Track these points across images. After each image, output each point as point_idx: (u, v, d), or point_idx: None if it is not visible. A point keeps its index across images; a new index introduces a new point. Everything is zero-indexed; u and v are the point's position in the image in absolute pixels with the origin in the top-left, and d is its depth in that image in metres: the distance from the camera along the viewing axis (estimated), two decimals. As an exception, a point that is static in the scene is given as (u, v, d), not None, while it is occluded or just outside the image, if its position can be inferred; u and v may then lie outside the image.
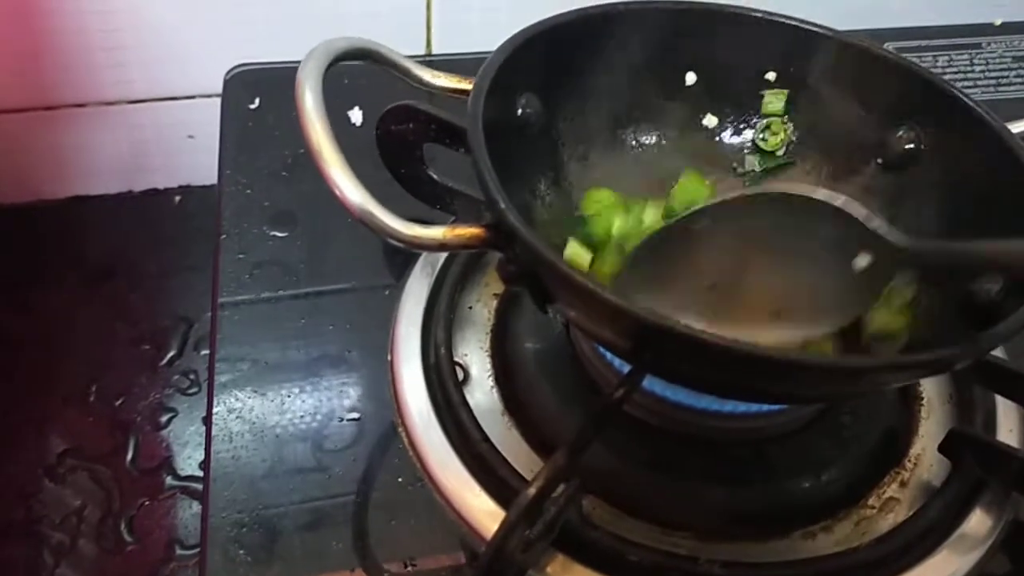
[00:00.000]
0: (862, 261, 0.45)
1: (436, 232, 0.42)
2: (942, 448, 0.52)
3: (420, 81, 0.52)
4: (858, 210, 0.45)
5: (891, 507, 0.51)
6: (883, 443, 0.54)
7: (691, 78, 0.57)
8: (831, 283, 0.46)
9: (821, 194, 0.46)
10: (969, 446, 0.51)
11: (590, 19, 0.53)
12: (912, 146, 0.54)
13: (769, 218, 0.47)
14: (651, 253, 0.49)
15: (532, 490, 0.41)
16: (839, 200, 0.46)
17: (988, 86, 0.83)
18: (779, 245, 0.47)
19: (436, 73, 0.52)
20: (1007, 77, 0.83)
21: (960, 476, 0.51)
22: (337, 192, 0.42)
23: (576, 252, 0.52)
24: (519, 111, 0.52)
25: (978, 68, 0.84)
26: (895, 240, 0.44)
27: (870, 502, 0.51)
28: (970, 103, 0.51)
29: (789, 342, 0.46)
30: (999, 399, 0.54)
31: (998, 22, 0.89)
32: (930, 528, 0.49)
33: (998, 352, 0.55)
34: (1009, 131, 0.49)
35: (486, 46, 0.50)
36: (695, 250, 0.49)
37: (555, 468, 0.42)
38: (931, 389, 0.56)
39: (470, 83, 0.49)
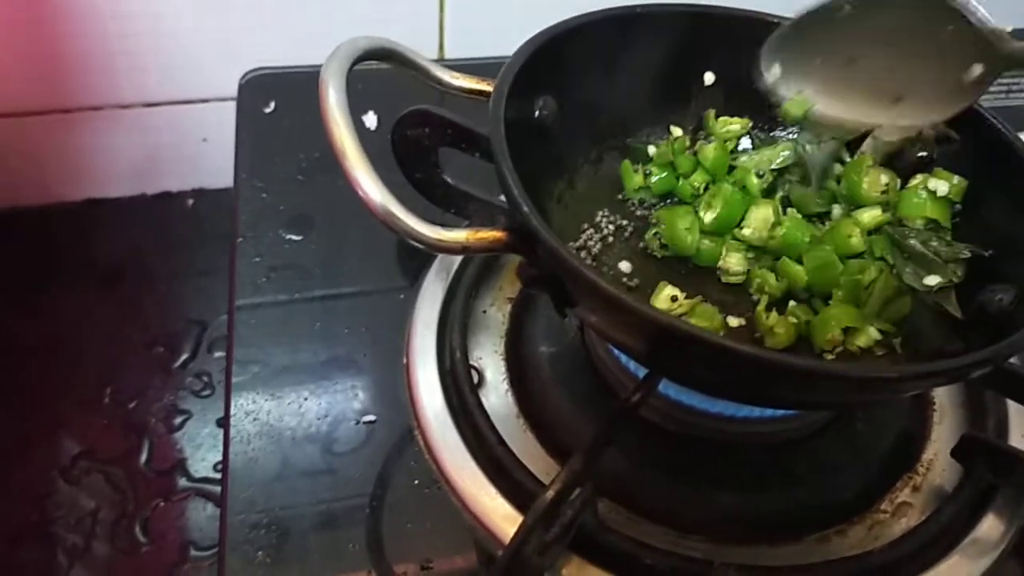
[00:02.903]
0: (975, 70, 0.49)
1: (459, 235, 0.42)
2: (955, 453, 0.52)
3: (439, 82, 0.52)
4: (979, 16, 0.49)
5: (904, 511, 0.51)
6: (896, 448, 0.54)
7: (709, 78, 0.57)
8: (945, 80, 0.51)
9: None
10: (981, 451, 0.51)
11: (607, 22, 0.53)
12: (925, 154, 0.54)
13: (900, 13, 0.51)
14: (796, 34, 0.54)
15: (550, 494, 0.41)
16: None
17: (999, 93, 0.83)
18: (907, 38, 0.51)
19: (455, 74, 0.52)
20: (1018, 84, 0.84)
21: (972, 481, 0.51)
22: (360, 192, 0.41)
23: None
24: (537, 113, 0.52)
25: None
26: (1005, 47, 0.49)
27: (883, 506, 0.51)
28: (984, 113, 0.51)
29: (905, 125, 0.53)
30: (1011, 404, 0.54)
31: (1009, 28, 0.89)
32: (943, 532, 0.49)
33: (1012, 359, 0.55)
34: (1021, 141, 0.49)
35: (499, 51, 0.50)
36: (834, 35, 0.53)
37: (572, 472, 0.43)
38: (943, 395, 0.56)
39: (489, 84, 0.49)
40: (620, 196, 0.57)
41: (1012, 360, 0.55)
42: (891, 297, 0.49)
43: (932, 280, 0.50)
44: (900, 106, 0.53)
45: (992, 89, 0.81)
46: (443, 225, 0.42)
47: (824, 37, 0.53)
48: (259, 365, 0.56)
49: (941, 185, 0.51)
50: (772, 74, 0.55)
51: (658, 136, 0.58)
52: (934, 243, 0.50)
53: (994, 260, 0.49)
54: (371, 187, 0.41)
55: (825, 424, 0.53)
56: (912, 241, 0.51)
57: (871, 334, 0.48)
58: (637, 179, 0.56)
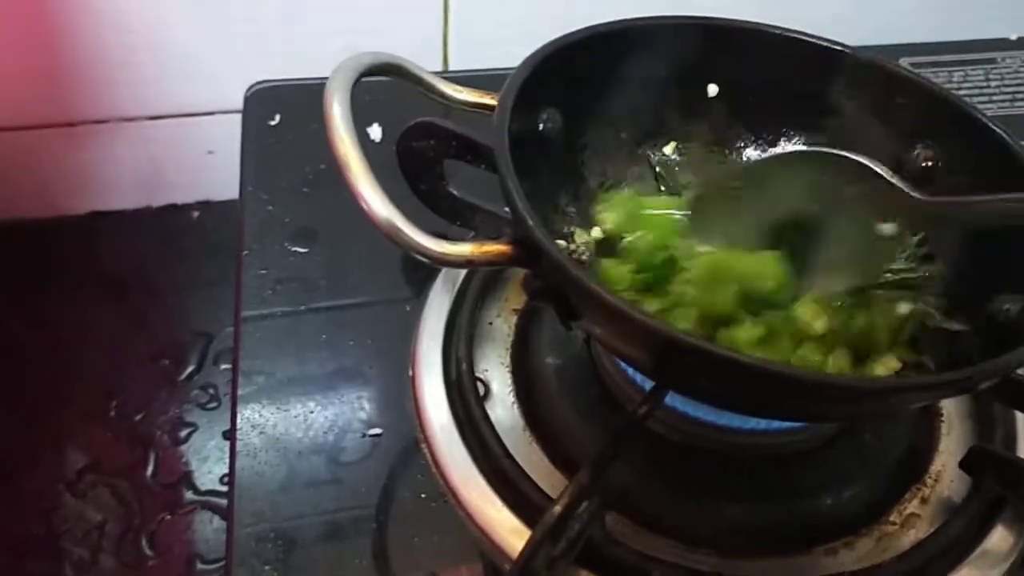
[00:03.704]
0: (888, 228, 0.49)
1: (463, 248, 0.42)
2: (963, 465, 0.52)
3: (443, 96, 0.52)
4: (883, 169, 0.49)
5: (912, 524, 0.51)
6: (904, 460, 0.54)
7: (712, 90, 0.57)
8: (856, 242, 0.50)
9: (849, 154, 0.50)
10: (990, 463, 0.51)
11: (610, 34, 0.53)
12: (929, 164, 0.54)
13: (801, 176, 0.51)
14: (701, 206, 0.53)
15: (558, 508, 0.41)
16: (865, 159, 0.49)
17: (1004, 101, 0.83)
18: (810, 202, 0.50)
19: (459, 88, 0.52)
20: (1023, 92, 0.84)
21: (981, 493, 0.50)
22: (364, 206, 0.42)
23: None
24: (541, 126, 0.52)
25: (993, 83, 0.84)
26: (917, 196, 0.47)
27: (891, 518, 0.51)
28: (987, 122, 0.51)
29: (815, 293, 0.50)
30: (1019, 416, 0.54)
31: (1013, 37, 0.89)
32: (951, 545, 0.49)
33: (1019, 370, 0.55)
34: (1025, 149, 0.49)
35: (503, 63, 0.50)
36: (732, 207, 0.52)
37: (579, 486, 0.43)
38: (951, 406, 0.56)
39: (493, 98, 0.49)
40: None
41: (1021, 372, 0.55)
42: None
43: (904, 308, 0.51)
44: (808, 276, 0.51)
45: (996, 97, 0.82)
46: (449, 237, 0.42)
47: (722, 212, 0.53)
48: (265, 377, 0.56)
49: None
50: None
51: (663, 148, 0.58)
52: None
53: (1002, 271, 0.49)
54: (375, 201, 0.41)
55: (833, 436, 0.52)
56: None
57: (890, 364, 0.49)
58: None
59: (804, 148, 0.55)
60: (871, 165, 0.49)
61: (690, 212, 0.53)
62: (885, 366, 0.48)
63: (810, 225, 0.50)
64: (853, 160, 0.49)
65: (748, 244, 0.51)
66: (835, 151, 0.50)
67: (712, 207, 0.53)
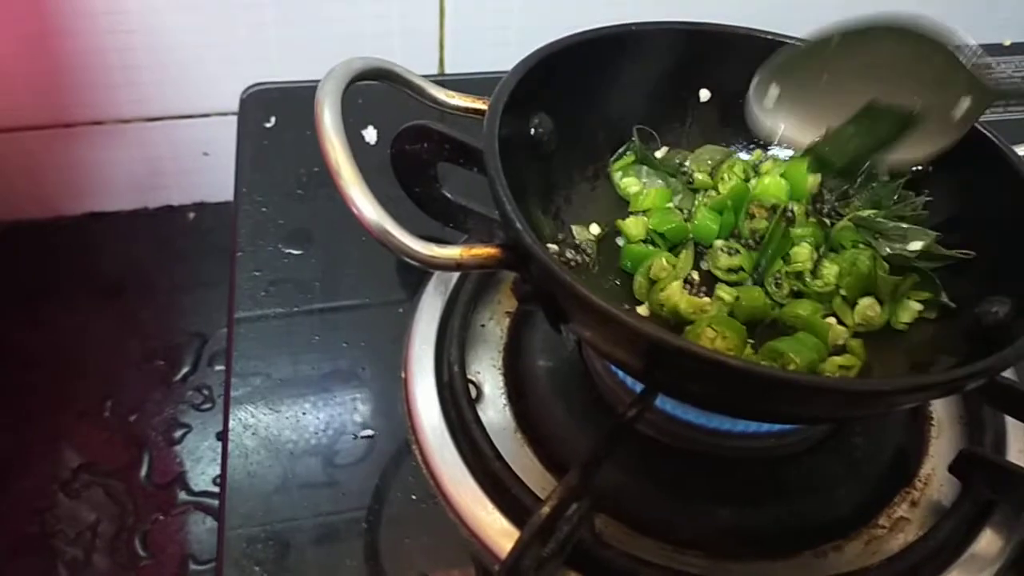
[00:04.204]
0: (964, 103, 0.49)
1: (452, 252, 0.43)
2: (952, 468, 0.52)
3: (435, 101, 0.53)
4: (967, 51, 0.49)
5: (901, 527, 0.51)
6: (893, 463, 0.54)
7: (704, 95, 0.58)
8: (934, 114, 0.50)
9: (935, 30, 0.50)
10: (979, 466, 0.51)
11: (601, 39, 0.54)
12: (920, 168, 0.54)
13: (888, 46, 0.50)
14: (789, 65, 0.52)
15: (545, 510, 0.42)
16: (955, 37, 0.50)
17: (996, 106, 0.82)
18: (895, 72, 0.51)
19: (450, 93, 0.53)
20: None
21: (970, 496, 0.51)
22: (355, 210, 0.42)
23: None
24: (532, 131, 0.52)
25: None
26: (988, 85, 0.49)
27: (881, 522, 0.51)
28: (979, 126, 0.51)
29: (896, 159, 0.52)
30: (1009, 420, 0.54)
31: (1007, 42, 0.89)
32: (940, 548, 0.49)
33: (1008, 373, 0.55)
34: (1018, 155, 0.49)
35: (498, 65, 0.51)
36: (826, 67, 0.52)
37: (568, 488, 0.43)
38: (941, 410, 0.56)
39: (484, 103, 0.49)
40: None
41: (1011, 376, 0.55)
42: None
43: (915, 245, 0.52)
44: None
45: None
46: (442, 239, 0.43)
47: (816, 68, 0.52)
48: (258, 379, 0.56)
49: None
50: (769, 98, 0.54)
51: (653, 151, 0.58)
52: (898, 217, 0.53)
53: (991, 273, 0.49)
54: (365, 206, 0.41)
55: (822, 439, 0.53)
56: (880, 221, 0.53)
57: (912, 307, 0.50)
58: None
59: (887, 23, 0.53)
60: (959, 47, 0.49)
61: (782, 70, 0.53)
62: (910, 311, 0.50)
63: (901, 114, 0.51)
64: (940, 43, 0.49)
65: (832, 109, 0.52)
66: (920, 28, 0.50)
67: (806, 65, 0.52)
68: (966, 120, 0.50)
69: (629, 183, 0.57)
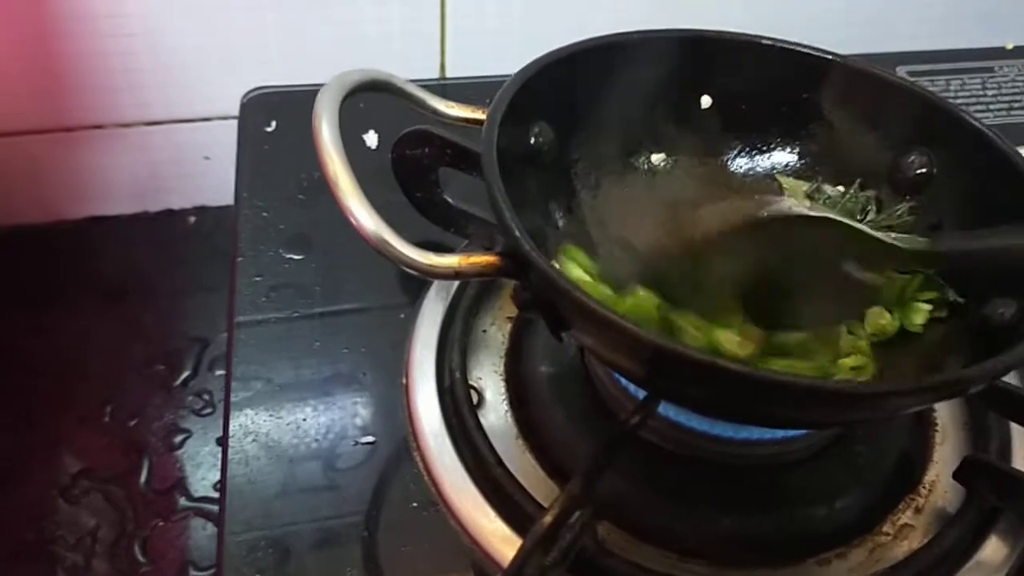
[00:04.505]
0: (870, 277, 0.49)
1: (451, 260, 0.42)
2: (957, 475, 0.52)
3: (434, 111, 0.52)
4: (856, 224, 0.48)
5: (906, 534, 0.51)
6: (897, 469, 0.53)
7: (706, 101, 0.57)
8: (835, 289, 0.50)
9: (818, 211, 0.49)
10: (984, 473, 0.51)
11: (602, 48, 0.53)
12: (924, 171, 0.54)
13: (773, 239, 0.49)
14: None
15: (548, 518, 0.41)
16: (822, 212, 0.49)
17: (1000, 110, 0.83)
18: (783, 261, 0.49)
19: (450, 104, 0.52)
20: (1020, 101, 0.84)
21: (975, 503, 0.50)
22: (353, 221, 0.42)
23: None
24: (532, 140, 0.52)
25: (991, 92, 0.84)
26: (900, 246, 0.48)
27: (885, 529, 0.51)
28: (982, 128, 0.51)
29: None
30: (1015, 427, 0.54)
31: (1010, 46, 0.89)
32: (945, 555, 0.49)
33: (1013, 380, 0.55)
34: (1020, 156, 0.49)
35: (500, 69, 0.50)
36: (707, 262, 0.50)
37: (570, 496, 0.42)
38: (946, 415, 0.56)
39: (483, 113, 0.49)
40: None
41: (1017, 383, 0.55)
42: None
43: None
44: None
45: (993, 106, 0.82)
46: (443, 244, 0.43)
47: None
48: (258, 384, 0.56)
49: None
50: None
51: (655, 160, 0.58)
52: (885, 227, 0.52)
53: (996, 274, 0.49)
54: (364, 216, 0.41)
55: (826, 446, 0.52)
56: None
57: (922, 308, 0.50)
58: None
59: (769, 215, 0.51)
60: (846, 221, 0.48)
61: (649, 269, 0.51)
62: (920, 312, 0.50)
63: (784, 281, 0.49)
64: (826, 219, 0.49)
65: (716, 305, 0.49)
66: (803, 212, 0.49)
67: (678, 269, 0.51)
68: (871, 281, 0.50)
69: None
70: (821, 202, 0.56)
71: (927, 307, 0.51)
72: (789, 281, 0.49)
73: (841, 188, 0.57)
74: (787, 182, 0.57)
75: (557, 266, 0.49)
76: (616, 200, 0.57)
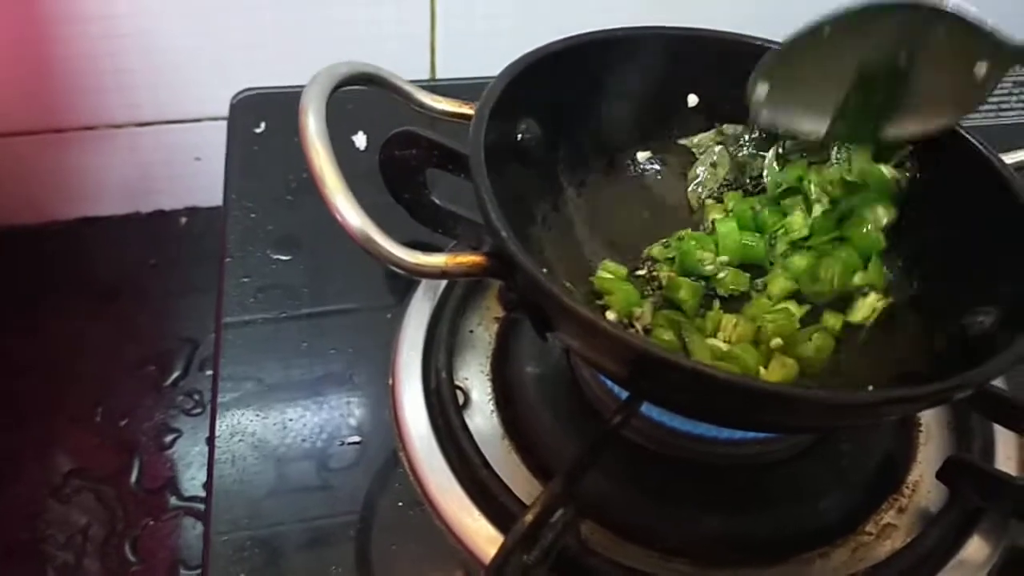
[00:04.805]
0: (981, 68, 0.48)
1: (438, 259, 0.43)
2: (940, 475, 0.52)
3: (422, 105, 0.52)
4: (971, 16, 0.48)
5: (889, 534, 0.51)
6: (881, 469, 0.54)
7: (692, 100, 0.58)
8: (947, 85, 0.50)
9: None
10: (967, 473, 0.51)
11: (589, 45, 0.54)
12: (907, 176, 0.54)
13: (887, 27, 0.50)
14: (783, 60, 0.52)
15: (529, 517, 0.41)
16: (950, 3, 0.48)
17: (989, 111, 0.83)
18: (898, 49, 0.50)
19: (437, 98, 0.53)
20: (1008, 102, 0.84)
21: (958, 503, 0.51)
22: (339, 218, 0.42)
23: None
24: (519, 137, 0.52)
25: (980, 93, 0.84)
26: (1006, 41, 0.47)
27: (868, 528, 0.51)
28: (967, 135, 0.51)
29: (908, 135, 0.52)
30: (997, 427, 0.54)
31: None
32: (928, 555, 0.49)
33: (997, 382, 0.55)
34: (1005, 165, 0.49)
35: (490, 70, 0.51)
36: (823, 55, 0.51)
37: (552, 495, 0.43)
38: (929, 416, 0.56)
39: (471, 108, 0.49)
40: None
41: (998, 383, 0.55)
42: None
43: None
44: (902, 116, 0.52)
45: (982, 108, 0.82)
46: (432, 245, 0.43)
47: (812, 58, 0.52)
48: (245, 384, 0.56)
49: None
50: (758, 96, 0.53)
51: (642, 157, 0.58)
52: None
53: (977, 282, 0.49)
54: (350, 213, 0.41)
55: (810, 446, 0.53)
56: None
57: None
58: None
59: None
60: (961, 12, 0.48)
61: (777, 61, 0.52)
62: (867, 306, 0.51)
63: (899, 72, 0.51)
64: (939, 9, 0.48)
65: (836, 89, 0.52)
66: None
67: (801, 56, 0.52)
68: (987, 81, 0.49)
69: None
70: (731, 143, 0.58)
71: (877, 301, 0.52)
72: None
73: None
74: (691, 142, 0.59)
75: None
76: (602, 197, 0.57)
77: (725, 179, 0.58)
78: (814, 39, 0.51)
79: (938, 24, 0.49)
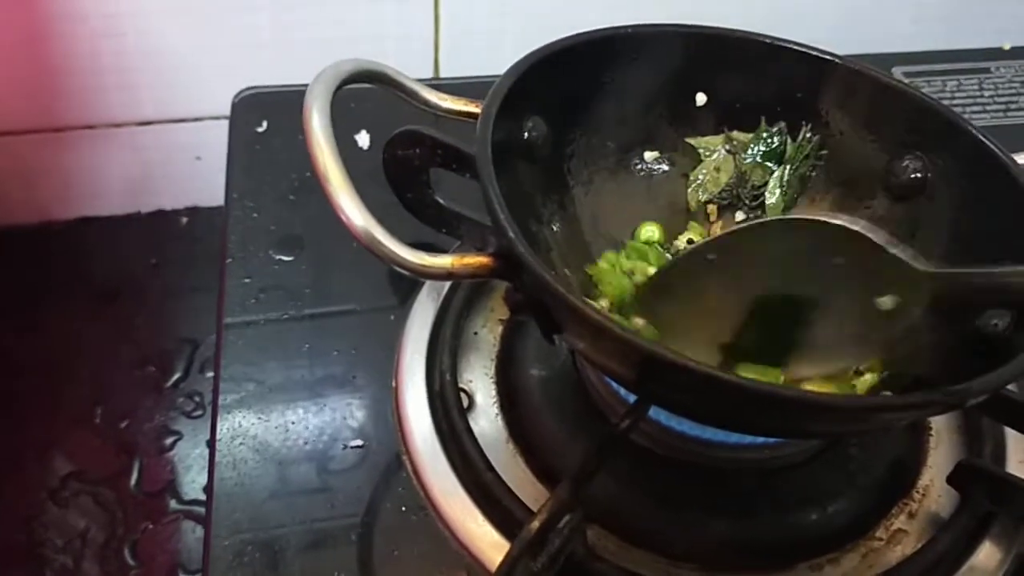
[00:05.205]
0: (888, 302, 0.44)
1: (444, 261, 0.42)
2: (951, 480, 0.51)
3: (427, 103, 0.52)
4: (879, 235, 0.43)
5: (899, 539, 0.50)
6: (891, 474, 0.53)
7: (701, 99, 0.57)
8: (849, 319, 0.45)
9: (840, 219, 0.44)
10: (978, 478, 0.50)
11: (597, 43, 0.53)
12: (919, 175, 0.53)
13: (784, 246, 0.46)
14: (661, 289, 0.49)
15: (536, 523, 0.41)
16: (858, 224, 0.43)
17: (997, 111, 0.82)
18: (796, 276, 0.46)
19: (443, 96, 0.52)
20: (1016, 102, 0.83)
21: (969, 508, 0.50)
22: (343, 217, 0.41)
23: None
24: (526, 135, 0.51)
25: (987, 93, 0.84)
26: (919, 267, 0.42)
27: (878, 534, 0.50)
28: (978, 134, 0.50)
29: (803, 378, 0.47)
30: (1009, 431, 0.53)
31: (1007, 46, 0.89)
32: (939, 561, 0.48)
33: (1009, 385, 0.55)
34: (1016, 163, 0.49)
35: (494, 69, 0.50)
36: (706, 284, 0.48)
37: (559, 501, 0.42)
38: (939, 420, 0.56)
39: (477, 106, 0.49)
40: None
41: (1011, 388, 0.54)
42: None
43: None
44: (806, 355, 0.47)
45: (990, 107, 0.82)
46: (436, 245, 0.42)
47: (695, 287, 0.48)
48: (247, 386, 0.55)
49: None
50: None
51: (650, 157, 0.58)
52: None
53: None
54: (354, 212, 0.41)
55: (819, 450, 0.52)
56: None
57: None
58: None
59: (784, 217, 0.51)
60: (865, 232, 0.43)
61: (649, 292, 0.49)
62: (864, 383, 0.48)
63: (796, 301, 0.46)
64: (843, 227, 0.43)
65: (719, 325, 0.47)
66: (821, 218, 0.45)
67: (681, 283, 0.48)
68: (900, 312, 0.43)
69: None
70: (738, 150, 0.57)
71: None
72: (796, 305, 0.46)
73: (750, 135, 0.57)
74: (699, 141, 0.57)
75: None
76: (610, 196, 0.56)
77: (727, 185, 0.57)
78: (696, 265, 0.48)
79: (839, 249, 0.44)
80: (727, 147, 0.57)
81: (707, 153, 0.57)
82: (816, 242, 0.44)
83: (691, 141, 0.57)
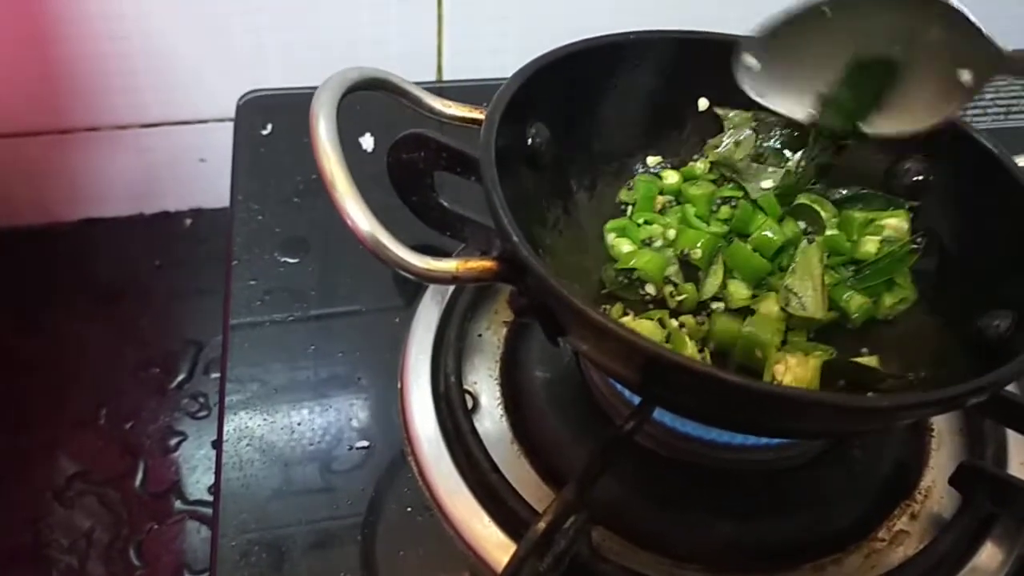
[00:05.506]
0: (964, 75, 0.48)
1: (448, 265, 0.42)
2: (953, 481, 0.51)
3: (431, 110, 0.52)
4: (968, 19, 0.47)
5: (901, 540, 0.50)
6: (893, 475, 0.53)
7: (703, 104, 0.57)
8: (930, 86, 0.50)
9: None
10: (980, 479, 0.51)
11: (599, 49, 0.53)
12: (920, 178, 0.54)
13: (890, 15, 0.49)
14: (775, 32, 0.51)
15: (542, 524, 0.41)
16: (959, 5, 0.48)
17: (998, 114, 0.83)
18: (895, 41, 0.50)
19: (447, 102, 0.52)
20: (1017, 105, 0.83)
21: (971, 509, 0.50)
22: (349, 223, 0.42)
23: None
24: (529, 141, 0.52)
25: (988, 96, 0.84)
26: (998, 49, 0.47)
27: (880, 535, 0.50)
28: (979, 138, 0.51)
29: (888, 133, 0.52)
30: (1010, 432, 0.54)
31: (1008, 49, 0.89)
32: (941, 561, 0.49)
33: (1010, 387, 0.55)
34: (1017, 166, 0.49)
35: (496, 73, 0.50)
36: (814, 38, 0.51)
37: (564, 502, 0.42)
38: (942, 421, 0.56)
39: (481, 112, 0.49)
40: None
41: (1012, 389, 0.55)
42: None
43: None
44: (883, 113, 0.52)
45: (991, 110, 0.82)
46: (440, 248, 0.42)
47: (803, 40, 0.52)
48: (253, 387, 0.56)
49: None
50: (744, 64, 0.53)
51: (652, 161, 0.58)
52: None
53: (993, 285, 0.49)
54: (360, 218, 0.41)
55: (822, 452, 0.52)
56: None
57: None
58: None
59: None
60: (962, 10, 0.47)
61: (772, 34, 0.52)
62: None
63: (890, 63, 0.50)
64: (946, 3, 0.48)
65: (825, 73, 0.52)
66: None
67: (794, 31, 0.51)
68: (971, 86, 0.48)
69: (621, 243, 0.56)
70: (763, 131, 0.57)
71: (877, 238, 0.52)
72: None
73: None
74: (726, 113, 0.58)
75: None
76: (613, 201, 0.57)
77: (740, 160, 0.57)
78: (811, 18, 0.51)
79: (936, 22, 0.48)
80: (753, 125, 0.57)
81: (731, 126, 0.57)
82: (919, 13, 0.48)
83: (719, 111, 0.58)
